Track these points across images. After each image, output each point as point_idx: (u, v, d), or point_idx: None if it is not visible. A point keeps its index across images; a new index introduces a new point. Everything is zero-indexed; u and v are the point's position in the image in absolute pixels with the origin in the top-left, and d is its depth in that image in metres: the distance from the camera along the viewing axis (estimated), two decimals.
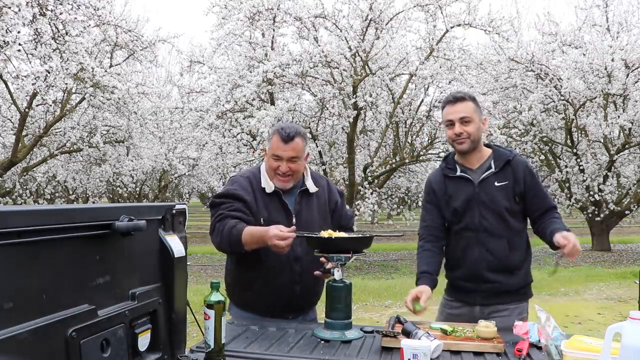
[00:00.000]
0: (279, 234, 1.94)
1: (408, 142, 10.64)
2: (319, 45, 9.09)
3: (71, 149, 10.30)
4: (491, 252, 2.21)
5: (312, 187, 2.29)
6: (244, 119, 9.18)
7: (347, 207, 2.51)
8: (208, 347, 1.64)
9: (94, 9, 8.10)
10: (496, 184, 2.22)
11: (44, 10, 7.19)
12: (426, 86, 10.67)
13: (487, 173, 2.24)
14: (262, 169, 2.28)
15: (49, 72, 7.14)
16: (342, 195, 2.48)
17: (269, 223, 2.14)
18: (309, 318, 2.33)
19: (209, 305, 1.62)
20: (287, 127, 2.19)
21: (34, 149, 10.10)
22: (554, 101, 11.21)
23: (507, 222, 2.21)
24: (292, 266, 2.20)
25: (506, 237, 2.21)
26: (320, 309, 2.05)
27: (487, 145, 2.34)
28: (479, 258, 2.22)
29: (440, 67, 9.51)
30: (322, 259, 2.10)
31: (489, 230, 2.21)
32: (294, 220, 2.22)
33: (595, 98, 10.98)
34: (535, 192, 2.24)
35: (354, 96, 9.35)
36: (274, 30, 9.55)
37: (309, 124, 10.61)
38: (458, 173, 2.28)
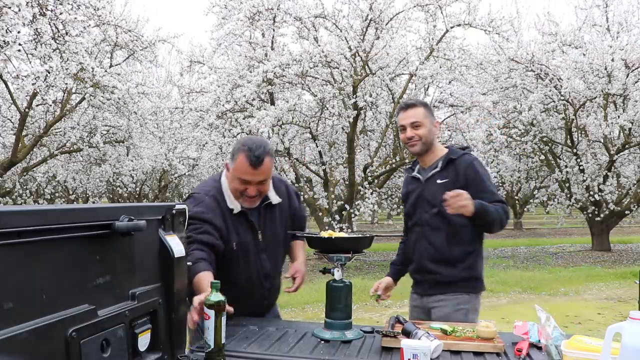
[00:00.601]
0: (196, 311, 1.72)
1: None
2: (319, 45, 9.09)
3: (71, 149, 10.29)
4: (432, 245, 2.35)
5: (275, 199, 2.21)
6: (244, 119, 9.18)
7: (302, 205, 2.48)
8: (208, 347, 1.64)
9: (94, 9, 8.09)
10: (438, 181, 2.35)
11: (44, 10, 7.18)
12: (426, 86, 10.67)
13: (432, 172, 2.39)
14: (225, 187, 2.12)
15: (49, 72, 7.14)
16: (298, 196, 2.43)
17: (240, 246, 2.10)
18: (271, 316, 2.35)
19: (209, 305, 1.62)
20: (255, 148, 1.99)
21: (34, 149, 10.09)
22: (554, 101, 11.21)
23: (446, 217, 2.28)
24: (262, 283, 2.20)
25: (445, 230, 2.32)
26: (320, 309, 2.06)
27: (450, 147, 2.46)
28: (423, 250, 2.39)
29: (440, 67, 9.51)
30: (288, 274, 2.22)
31: (430, 224, 2.36)
32: (260, 237, 2.17)
33: (595, 98, 10.98)
34: (477, 187, 2.28)
35: (354, 96, 9.35)
36: (274, 30, 9.54)
37: (309, 124, 10.61)
38: (413, 173, 2.50)
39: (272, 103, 9.72)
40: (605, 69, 10.48)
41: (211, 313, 1.62)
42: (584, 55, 10.90)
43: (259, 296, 2.22)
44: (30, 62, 7.60)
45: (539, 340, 1.81)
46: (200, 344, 1.81)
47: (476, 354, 1.77)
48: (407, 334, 1.77)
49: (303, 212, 2.45)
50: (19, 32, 6.25)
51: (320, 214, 10.23)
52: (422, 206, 2.39)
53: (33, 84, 7.11)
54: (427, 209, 2.37)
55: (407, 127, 2.38)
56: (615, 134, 11.55)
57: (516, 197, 20.25)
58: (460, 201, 2.12)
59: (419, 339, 1.72)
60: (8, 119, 10.90)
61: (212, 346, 1.64)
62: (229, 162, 2.10)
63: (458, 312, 2.26)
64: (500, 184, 15.67)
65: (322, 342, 1.88)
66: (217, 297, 1.63)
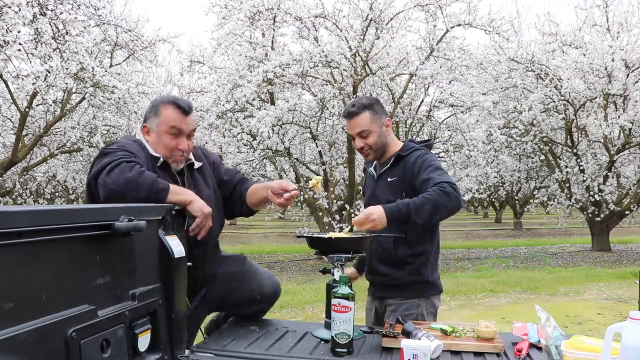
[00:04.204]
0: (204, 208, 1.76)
1: None
2: (319, 45, 9.08)
3: (71, 148, 10.28)
4: (381, 245, 2.29)
5: (196, 163, 2.10)
6: (244, 119, 9.18)
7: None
8: (347, 338, 1.70)
9: (94, 9, 8.09)
10: (388, 179, 2.29)
11: (44, 10, 7.18)
12: (426, 86, 10.68)
13: (383, 169, 2.33)
14: (146, 144, 1.99)
15: (49, 72, 7.13)
16: (221, 159, 2.31)
17: None
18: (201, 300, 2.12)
19: (349, 298, 1.70)
20: (181, 99, 2.00)
21: (34, 149, 10.08)
22: (554, 101, 11.21)
23: None
24: (192, 250, 1.90)
25: (394, 231, 2.16)
26: (320, 308, 2.05)
27: (405, 142, 2.36)
28: (374, 251, 2.33)
29: (441, 67, 9.51)
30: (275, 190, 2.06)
31: None
32: None
33: (595, 98, 10.98)
34: (418, 179, 2.14)
35: (354, 96, 9.34)
36: (274, 30, 9.54)
37: (309, 124, 10.60)
38: (370, 168, 2.45)
39: (272, 103, 9.72)
40: (606, 69, 10.48)
41: (352, 305, 1.70)
42: (584, 55, 10.89)
43: (191, 266, 1.91)
44: (30, 62, 7.59)
45: (539, 340, 1.81)
46: (200, 343, 1.82)
47: (476, 354, 1.77)
48: (407, 334, 1.77)
49: (233, 170, 2.31)
50: (19, 32, 6.24)
51: (320, 213, 10.23)
52: (374, 204, 2.18)
53: (33, 84, 7.10)
54: None
55: (356, 138, 2.28)
56: (615, 134, 11.54)
57: (516, 197, 20.25)
58: (365, 225, 1.97)
59: (419, 339, 1.72)
60: (8, 118, 10.91)
61: (352, 336, 1.70)
62: (148, 123, 2.01)
63: (408, 317, 2.11)
64: (500, 184, 15.67)
65: (322, 342, 1.88)
66: (349, 289, 1.73)
